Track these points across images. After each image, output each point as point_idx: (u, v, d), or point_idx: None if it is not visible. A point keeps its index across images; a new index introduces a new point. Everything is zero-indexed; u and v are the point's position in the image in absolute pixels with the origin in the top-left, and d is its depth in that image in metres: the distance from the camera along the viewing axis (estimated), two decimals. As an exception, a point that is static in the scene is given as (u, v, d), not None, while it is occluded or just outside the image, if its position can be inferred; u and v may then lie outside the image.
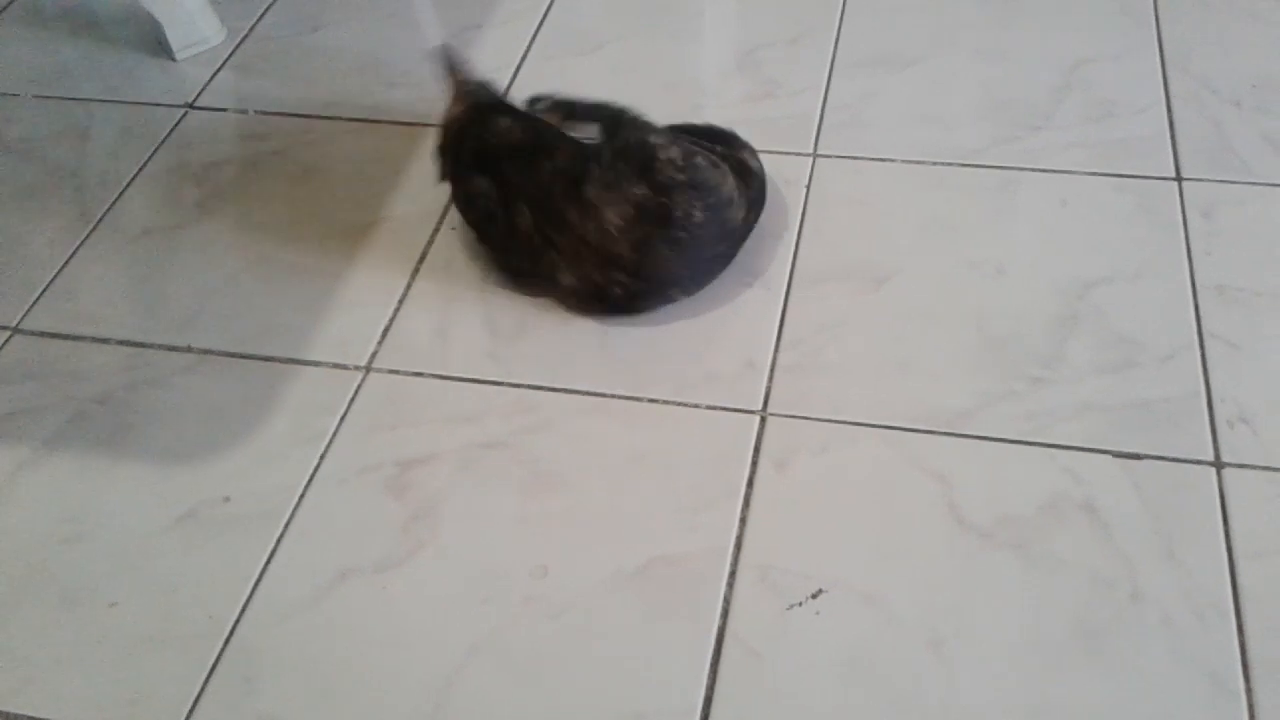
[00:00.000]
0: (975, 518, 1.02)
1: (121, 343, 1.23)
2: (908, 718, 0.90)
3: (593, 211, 1.13)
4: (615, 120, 1.33)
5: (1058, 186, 1.32)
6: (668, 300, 1.20)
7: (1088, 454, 1.06)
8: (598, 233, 1.13)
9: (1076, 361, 1.13)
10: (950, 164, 1.36)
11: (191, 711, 0.94)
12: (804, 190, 1.34)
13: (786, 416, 1.12)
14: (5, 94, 1.57)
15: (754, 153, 1.28)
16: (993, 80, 1.47)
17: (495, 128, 1.24)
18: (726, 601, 0.98)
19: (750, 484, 1.06)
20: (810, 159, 1.38)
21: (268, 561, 1.03)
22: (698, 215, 1.14)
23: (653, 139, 1.17)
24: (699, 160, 1.17)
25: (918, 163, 1.37)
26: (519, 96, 1.48)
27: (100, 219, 1.37)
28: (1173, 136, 1.37)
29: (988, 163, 1.36)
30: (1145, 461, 1.05)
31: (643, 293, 1.17)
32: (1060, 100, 1.43)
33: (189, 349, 1.21)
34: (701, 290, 1.21)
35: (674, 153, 1.16)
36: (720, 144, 1.26)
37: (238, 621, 0.99)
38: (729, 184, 1.18)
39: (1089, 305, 1.19)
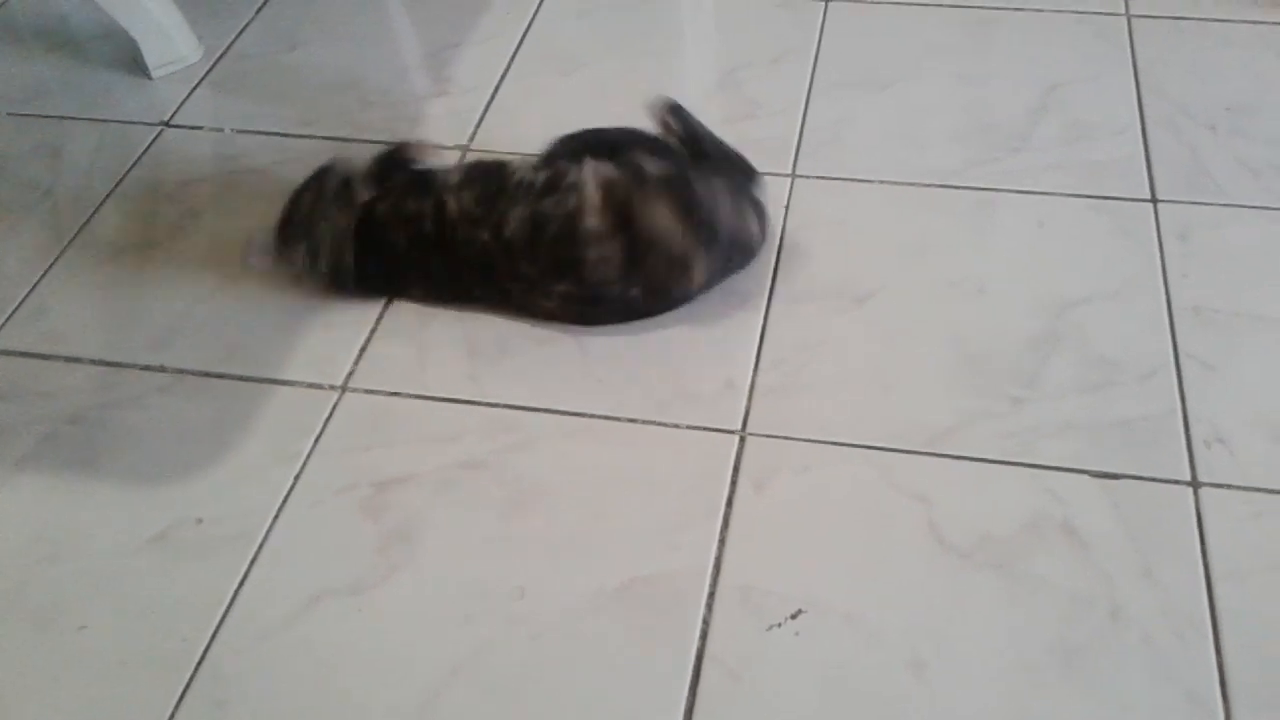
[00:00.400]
0: (956, 537, 1.02)
1: (94, 362, 1.22)
2: (884, 739, 0.90)
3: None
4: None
5: (1035, 207, 1.33)
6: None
7: (1067, 474, 1.06)
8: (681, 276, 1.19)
9: (1056, 380, 1.14)
10: (929, 185, 1.37)
11: (162, 737, 0.92)
12: (783, 210, 1.34)
13: (766, 436, 1.11)
14: (-22, 111, 1.56)
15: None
16: (970, 102, 1.47)
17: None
18: (705, 623, 0.97)
19: (729, 504, 1.06)
20: (789, 179, 1.39)
21: (241, 583, 1.01)
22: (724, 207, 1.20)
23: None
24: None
25: (897, 183, 1.37)
26: (498, 117, 1.49)
27: (73, 237, 1.36)
28: (1148, 159, 1.38)
29: (966, 184, 1.36)
30: (1123, 481, 1.05)
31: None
32: (1037, 122, 1.44)
33: (163, 369, 1.20)
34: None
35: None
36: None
37: (210, 644, 0.97)
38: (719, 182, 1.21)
39: (1068, 324, 1.19)
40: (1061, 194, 1.34)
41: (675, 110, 1.29)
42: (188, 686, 0.95)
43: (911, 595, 0.99)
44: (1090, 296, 1.22)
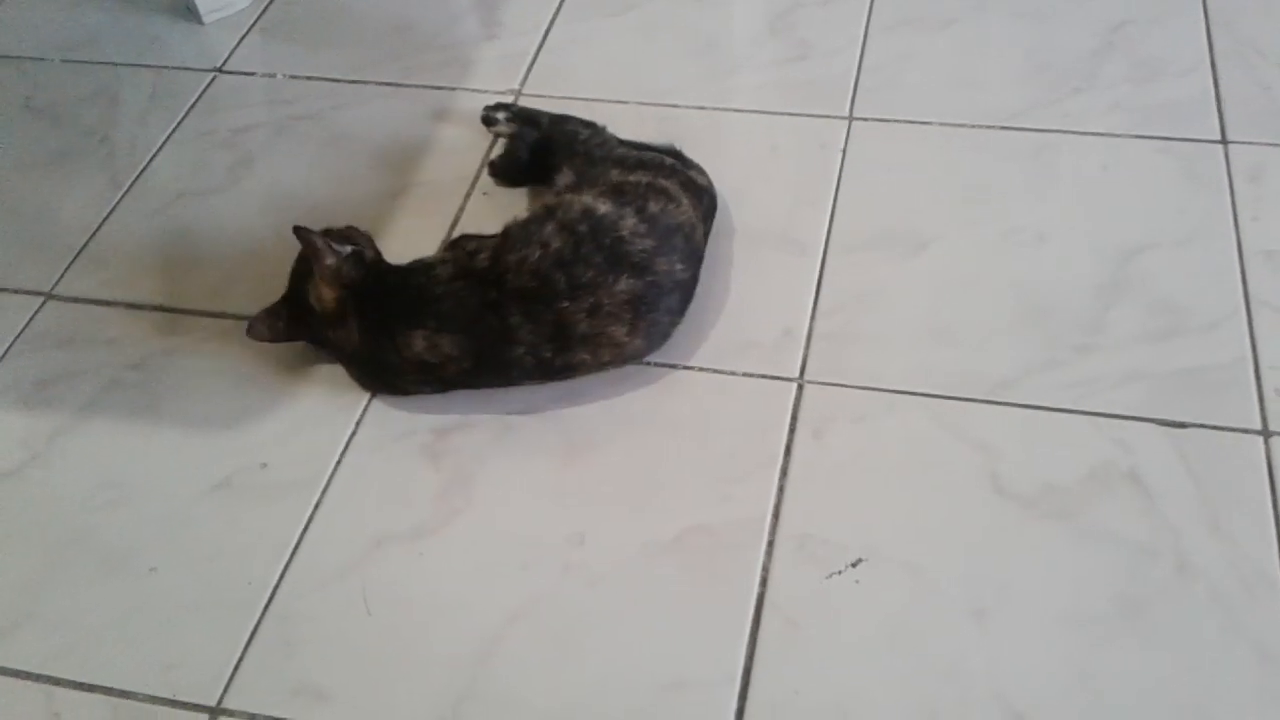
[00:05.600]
0: (1017, 487, 1.01)
1: (155, 308, 1.23)
2: (950, 687, 0.90)
3: (600, 340, 1.06)
4: (569, 145, 1.24)
5: (1099, 150, 1.30)
6: None
7: (1133, 423, 1.04)
8: (612, 351, 1.07)
9: (1120, 329, 1.12)
10: (989, 127, 1.34)
11: (232, 677, 0.94)
12: (840, 155, 1.32)
13: (824, 384, 1.10)
14: (34, 58, 1.56)
15: (702, 171, 1.23)
16: (1031, 42, 1.44)
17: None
18: (765, 570, 0.97)
19: (788, 452, 1.05)
20: (846, 122, 1.36)
21: (305, 528, 1.03)
22: (679, 267, 1.09)
23: (601, 209, 1.09)
24: (652, 208, 1.10)
25: (956, 126, 1.34)
26: (550, 61, 1.47)
27: (131, 184, 1.37)
28: (1218, 99, 1.34)
29: (1027, 126, 1.33)
30: (1191, 430, 1.03)
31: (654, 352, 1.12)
32: (1101, 62, 1.40)
33: (223, 315, 1.21)
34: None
35: (630, 221, 1.08)
36: (672, 158, 1.22)
37: (277, 587, 0.99)
38: (685, 207, 1.14)
39: (1133, 272, 1.17)
40: (1126, 136, 1.31)
41: (500, 106, 1.37)
42: (256, 628, 0.97)
43: (972, 544, 0.98)
44: (1156, 242, 1.19)
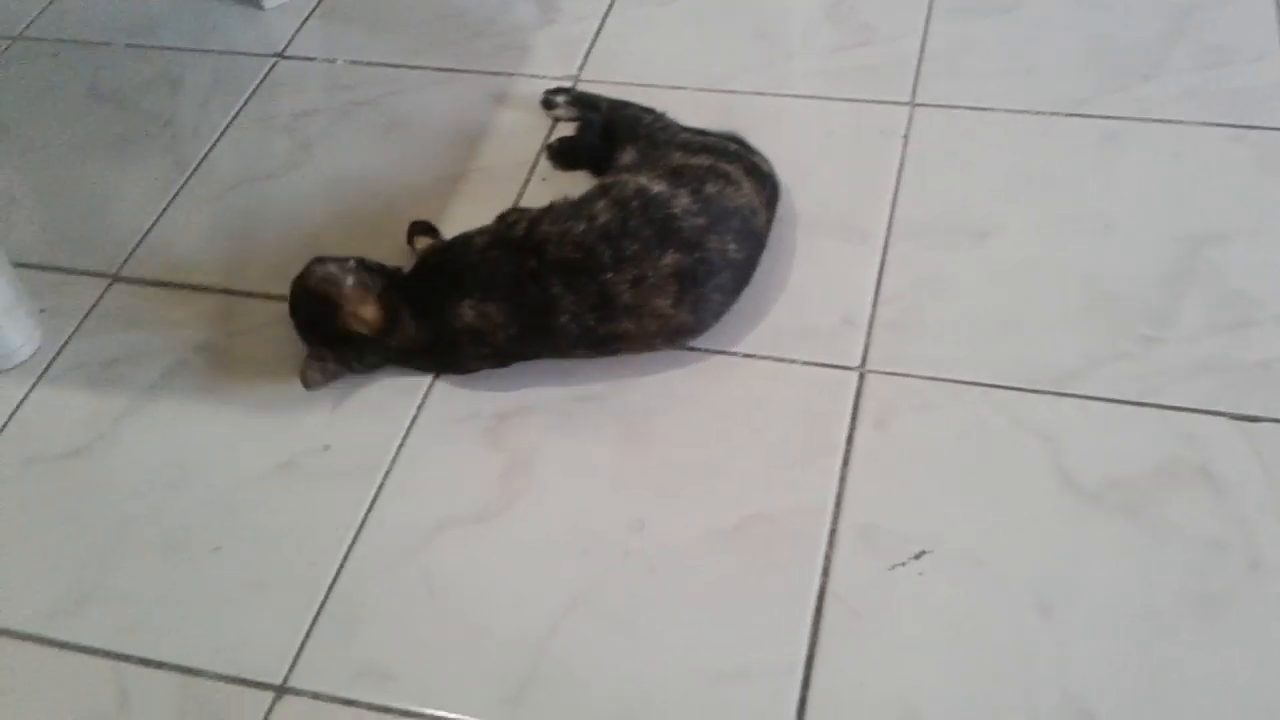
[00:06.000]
0: (1084, 480, 1.00)
1: (219, 291, 1.24)
2: (1016, 682, 0.89)
3: (644, 311, 1.06)
4: (631, 129, 1.25)
5: (1168, 138, 1.27)
6: None
7: (1203, 416, 1.02)
8: (657, 322, 1.07)
9: (1190, 321, 1.10)
10: (1054, 114, 1.31)
11: (297, 657, 0.95)
12: (901, 141, 1.31)
13: (886, 373, 1.09)
14: (98, 43, 1.58)
15: (765, 159, 1.22)
16: (1096, 27, 1.41)
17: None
18: (827, 560, 0.97)
19: (849, 441, 1.04)
20: (908, 108, 1.34)
21: (368, 510, 1.04)
22: (733, 247, 1.09)
23: (656, 188, 1.09)
24: (709, 190, 1.10)
25: (1020, 112, 1.32)
26: (608, 46, 1.47)
27: (194, 169, 1.38)
28: (1292, 86, 1.31)
29: (1094, 113, 1.31)
30: (1264, 424, 1.01)
31: (706, 330, 1.12)
32: (1170, 47, 1.37)
33: (284, 298, 1.21)
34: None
35: (684, 200, 1.08)
36: (735, 144, 1.21)
37: (340, 570, 1.00)
38: (746, 191, 1.13)
39: (1203, 262, 1.14)
40: (1196, 123, 1.28)
41: (560, 90, 1.37)
42: (320, 609, 0.97)
43: (1038, 538, 0.97)
44: (1227, 232, 1.17)
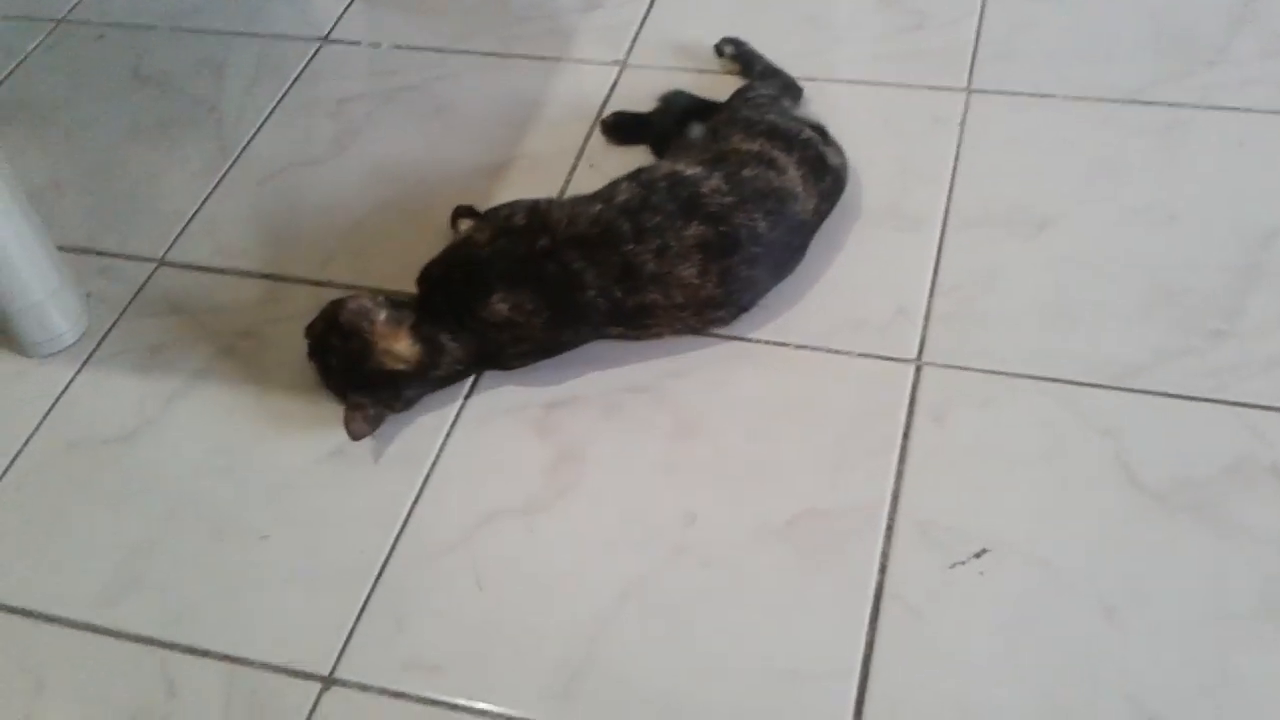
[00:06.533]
0: (1151, 479, 0.97)
1: (264, 276, 1.23)
2: (1080, 686, 0.86)
3: (669, 280, 1.05)
4: (730, 100, 1.24)
5: (1235, 126, 1.23)
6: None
7: (1275, 414, 0.99)
8: (684, 292, 1.05)
9: (1261, 315, 1.06)
10: (1115, 101, 1.28)
11: (344, 648, 0.94)
12: (957, 128, 1.28)
13: (944, 366, 1.07)
14: (143, 26, 1.57)
15: (840, 152, 1.20)
16: (1158, 13, 1.37)
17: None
18: (884, 557, 0.94)
19: (906, 437, 1.02)
20: (964, 94, 1.31)
21: (415, 500, 1.02)
22: (762, 225, 1.07)
23: (689, 171, 1.09)
24: (745, 174, 1.09)
25: (1080, 99, 1.29)
26: (656, 30, 1.44)
27: (239, 153, 1.37)
28: (1363, 74, 1.26)
29: (1156, 100, 1.27)
30: (1339, 423, 0.98)
31: (737, 314, 1.10)
32: (1235, 33, 1.33)
33: (330, 284, 1.21)
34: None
35: (715, 182, 1.08)
36: (814, 132, 1.19)
37: (387, 560, 0.99)
38: (791, 177, 1.11)
39: (1273, 255, 1.11)
40: (1264, 111, 1.24)
41: (732, 40, 1.35)
42: (368, 600, 0.96)
43: (1103, 538, 0.94)
44: (1297, 224, 1.13)
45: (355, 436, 1.04)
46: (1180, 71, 1.29)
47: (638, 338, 1.10)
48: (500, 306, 1.05)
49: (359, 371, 1.04)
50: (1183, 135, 1.23)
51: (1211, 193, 1.17)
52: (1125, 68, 1.31)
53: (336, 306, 1.06)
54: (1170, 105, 1.26)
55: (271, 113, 1.42)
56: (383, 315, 1.04)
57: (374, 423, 1.05)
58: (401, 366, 1.04)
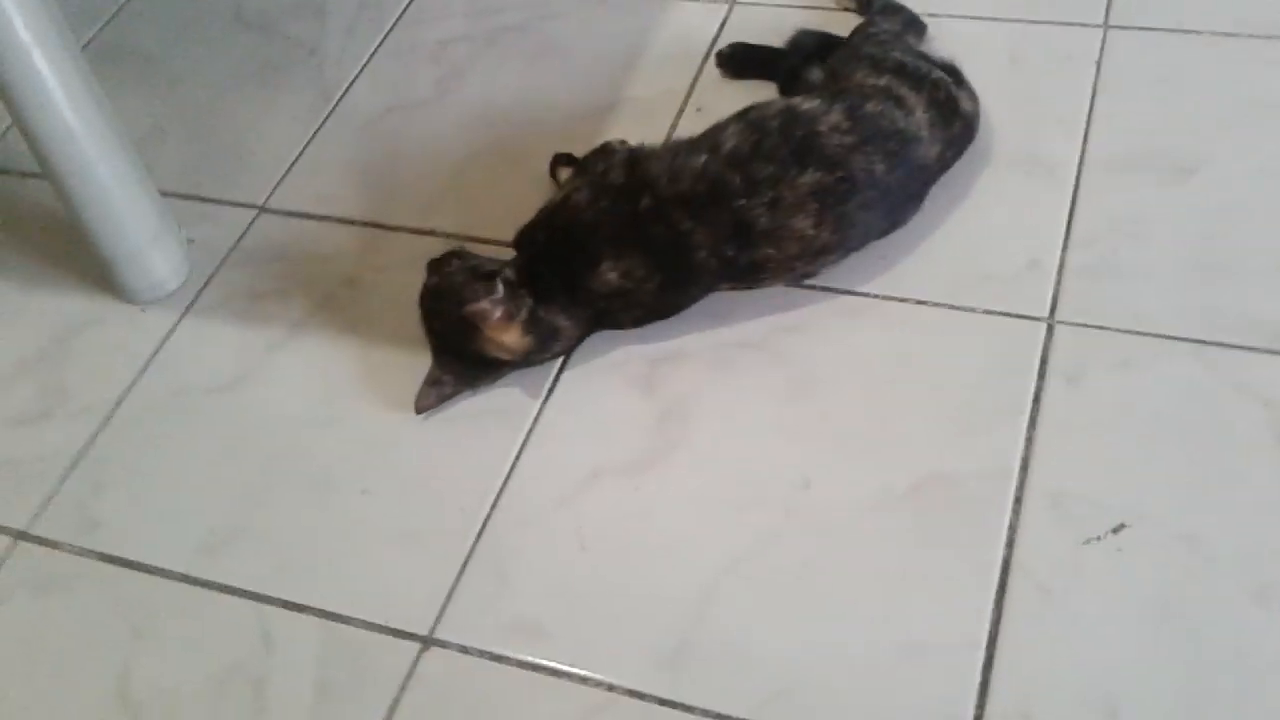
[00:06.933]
0: (1310, 451, 0.89)
1: (366, 224, 1.21)
2: (1228, 676, 0.80)
3: (783, 233, 0.99)
4: (851, 37, 1.17)
5: None
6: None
7: None
8: (799, 244, 1.00)
9: None
10: (1270, 37, 1.17)
11: (444, 607, 0.91)
12: (1094, 66, 1.18)
13: (1078, 325, 0.99)
14: (240, -32, 1.55)
15: (974, 97, 1.12)
16: (1322, -63, 1.25)
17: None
18: (1012, 530, 0.88)
19: (1037, 400, 0.95)
20: (1101, 30, 1.22)
21: (517, 457, 0.99)
22: (880, 168, 1.00)
23: (805, 105, 1.02)
24: (868, 108, 1.02)
25: (1229, 35, 1.19)
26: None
27: (340, 98, 1.35)
28: None
29: (1316, 36, 1.16)
30: None
31: (845, 255, 1.04)
32: None
33: (432, 233, 1.18)
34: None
35: (835, 117, 1.01)
36: (946, 73, 1.11)
37: (489, 518, 0.96)
38: (915, 119, 1.04)
39: None
40: None
41: None
42: (469, 558, 0.94)
43: (1256, 516, 0.87)
44: None
45: (419, 410, 1.01)
46: (1344, 4, 1.18)
47: (749, 289, 1.04)
48: (610, 275, 1.00)
49: (462, 346, 1.01)
50: (1347, 74, 1.13)
51: (1382, 136, 1.07)
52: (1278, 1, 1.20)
53: (453, 281, 1.01)
54: (1333, 42, 1.15)
55: (372, 56, 1.38)
56: (498, 314, 0.98)
57: (443, 399, 1.02)
58: (507, 356, 1.01)
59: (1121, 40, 1.20)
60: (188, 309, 1.17)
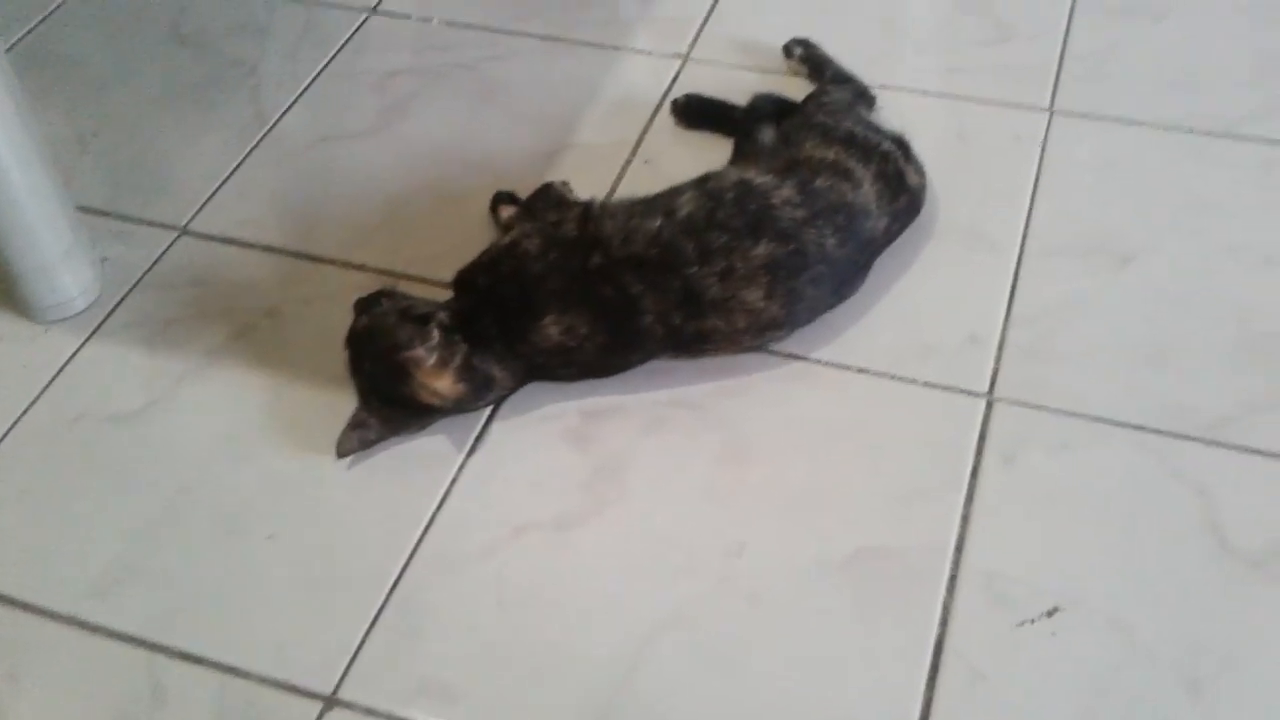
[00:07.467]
0: (1243, 542, 0.88)
1: (293, 254, 1.16)
2: (1161, 769, 0.78)
3: (732, 305, 0.97)
4: (804, 103, 1.17)
5: (1340, 170, 1.15)
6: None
7: (1382, 483, 0.91)
8: (747, 317, 0.98)
9: (1368, 373, 0.98)
10: (1209, 133, 1.20)
11: (350, 664, 0.86)
12: (1038, 149, 1.20)
13: (1017, 403, 0.98)
14: (184, -16, 1.51)
15: (921, 171, 1.12)
16: (1258, 43, 1.29)
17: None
18: (946, 609, 0.86)
19: (974, 476, 0.94)
20: (1046, 114, 1.23)
21: (439, 506, 0.94)
22: (831, 241, 1.00)
23: (759, 180, 1.01)
24: (818, 184, 1.02)
25: (1171, 129, 1.21)
26: (721, 25, 1.36)
27: (276, 122, 1.30)
28: None
29: (1254, 135, 1.19)
30: None
31: (793, 331, 1.02)
32: (1341, 71, 1.25)
33: (363, 267, 1.13)
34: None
35: (786, 191, 1.00)
36: (895, 145, 1.11)
37: (405, 569, 0.91)
38: (864, 193, 1.03)
39: (1380, 309, 1.02)
40: (1371, 157, 1.16)
41: (801, 42, 1.28)
42: (380, 612, 0.88)
43: (1189, 603, 0.86)
44: (1406, 278, 1.05)
45: (340, 455, 0.96)
46: (1278, 107, 1.21)
47: (691, 359, 1.02)
48: (552, 330, 0.97)
49: (391, 390, 0.96)
50: (1281, 174, 1.15)
51: (1312, 238, 1.09)
52: (1220, 99, 1.23)
53: (384, 323, 0.97)
54: (1268, 142, 1.18)
55: (313, 82, 1.34)
56: (432, 360, 0.94)
57: (366, 445, 0.97)
58: (437, 402, 0.96)
59: (1066, 126, 1.22)
60: (95, 331, 1.10)
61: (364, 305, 1.00)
